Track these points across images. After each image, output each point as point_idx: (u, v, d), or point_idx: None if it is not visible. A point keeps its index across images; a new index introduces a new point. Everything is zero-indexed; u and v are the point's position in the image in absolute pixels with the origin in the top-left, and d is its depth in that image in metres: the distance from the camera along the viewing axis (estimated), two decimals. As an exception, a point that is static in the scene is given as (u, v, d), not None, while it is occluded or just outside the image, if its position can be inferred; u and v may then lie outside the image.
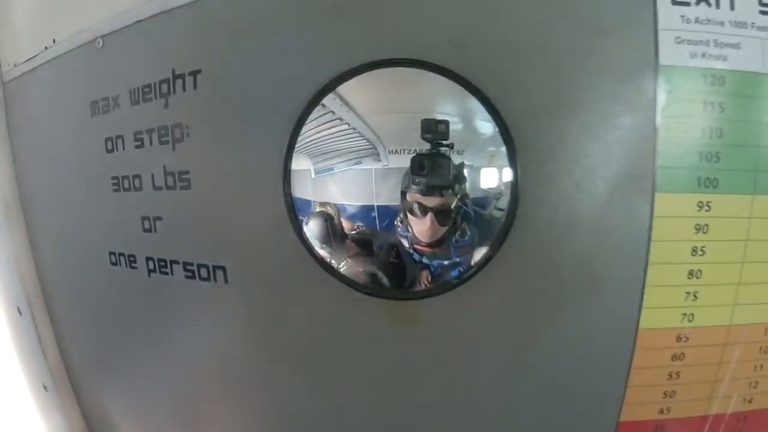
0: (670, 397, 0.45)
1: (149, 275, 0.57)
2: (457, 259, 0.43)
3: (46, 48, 0.64)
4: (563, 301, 0.44)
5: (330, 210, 0.44)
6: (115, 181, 0.57)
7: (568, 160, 0.41)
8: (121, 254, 0.60)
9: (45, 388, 0.78)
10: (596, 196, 0.42)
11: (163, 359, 0.62)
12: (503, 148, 0.41)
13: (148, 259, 0.56)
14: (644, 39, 0.39)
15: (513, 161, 0.41)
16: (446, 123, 0.41)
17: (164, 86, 0.51)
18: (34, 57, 0.66)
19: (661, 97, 0.40)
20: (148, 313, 0.60)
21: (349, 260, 0.45)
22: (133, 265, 0.58)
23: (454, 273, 0.43)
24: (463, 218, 0.42)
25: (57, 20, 0.62)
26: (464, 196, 0.42)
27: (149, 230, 0.56)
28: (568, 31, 0.40)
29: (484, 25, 0.42)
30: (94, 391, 0.76)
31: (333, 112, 0.43)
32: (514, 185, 0.41)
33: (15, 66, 0.71)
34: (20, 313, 0.77)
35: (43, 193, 0.71)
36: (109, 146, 0.57)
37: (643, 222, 0.41)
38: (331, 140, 0.44)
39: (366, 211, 0.44)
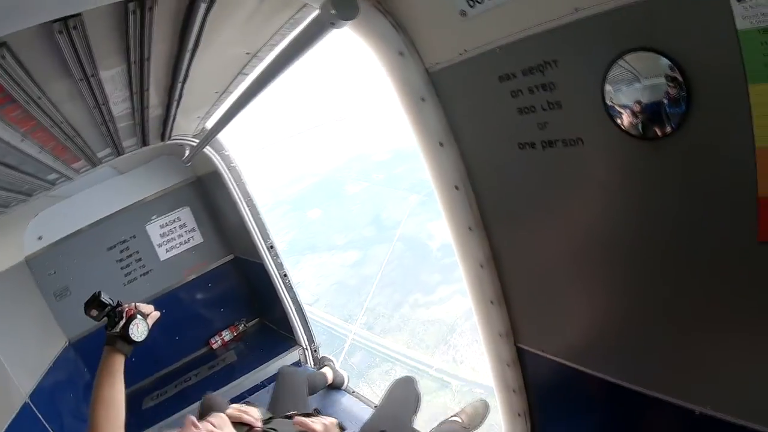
0: None
1: (543, 150, 1.21)
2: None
3: (460, 54, 1.30)
4: None
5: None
6: (520, 109, 1.22)
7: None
8: (527, 143, 1.26)
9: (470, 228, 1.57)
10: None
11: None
12: None
13: (543, 142, 1.20)
14: None
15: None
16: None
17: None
18: (451, 59, 1.34)
19: None
20: (544, 174, 1.26)
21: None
22: (533, 147, 1.24)
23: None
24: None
25: (467, 37, 1.25)
26: None
27: (541, 129, 1.19)
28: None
29: None
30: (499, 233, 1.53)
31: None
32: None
33: (437, 64, 1.41)
34: (457, 189, 1.56)
35: (470, 124, 1.45)
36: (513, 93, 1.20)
37: None
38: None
39: None
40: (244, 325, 4.46)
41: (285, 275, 3.76)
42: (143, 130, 2.44)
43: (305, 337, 3.87)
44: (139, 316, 1.50)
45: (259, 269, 3.80)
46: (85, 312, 1.49)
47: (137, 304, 1.55)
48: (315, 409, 1.78)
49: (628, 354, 1.29)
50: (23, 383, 2.91)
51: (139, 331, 1.49)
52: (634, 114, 0.98)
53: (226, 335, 4.39)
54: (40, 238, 3.74)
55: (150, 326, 1.55)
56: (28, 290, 3.63)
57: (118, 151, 2.64)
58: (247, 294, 4.44)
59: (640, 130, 0.99)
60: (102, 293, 1.50)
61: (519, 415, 1.76)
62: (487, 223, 1.58)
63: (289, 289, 3.79)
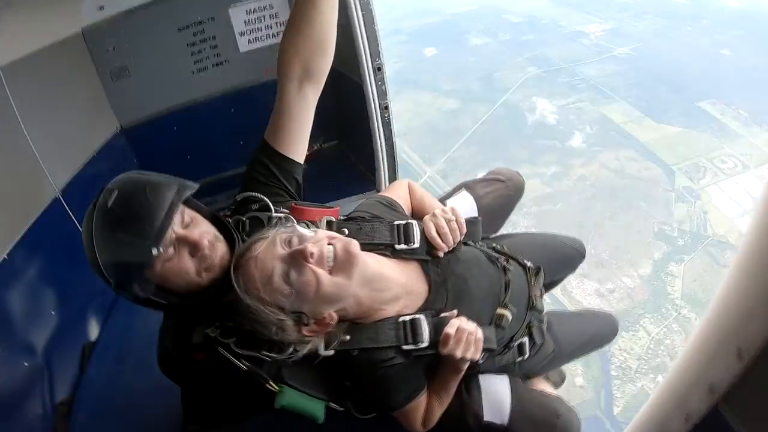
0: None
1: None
2: None
3: None
4: None
5: None
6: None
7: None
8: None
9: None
10: None
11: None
12: None
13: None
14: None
15: None
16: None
17: None
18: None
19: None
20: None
21: None
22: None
23: None
24: None
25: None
26: None
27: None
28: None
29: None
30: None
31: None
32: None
33: None
34: None
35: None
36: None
37: None
38: None
39: None
40: (320, 145, 3.92)
41: (386, 107, 3.10)
42: None
43: (388, 183, 3.25)
44: None
45: (356, 90, 3.10)
46: None
47: None
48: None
49: None
50: (57, 174, 2.52)
51: None
52: None
53: (300, 151, 4.00)
54: (101, 7, 3.23)
55: None
56: (81, 66, 3.22)
57: None
58: (333, 111, 3.71)
59: None
60: None
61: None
62: None
63: (387, 125, 3.12)
